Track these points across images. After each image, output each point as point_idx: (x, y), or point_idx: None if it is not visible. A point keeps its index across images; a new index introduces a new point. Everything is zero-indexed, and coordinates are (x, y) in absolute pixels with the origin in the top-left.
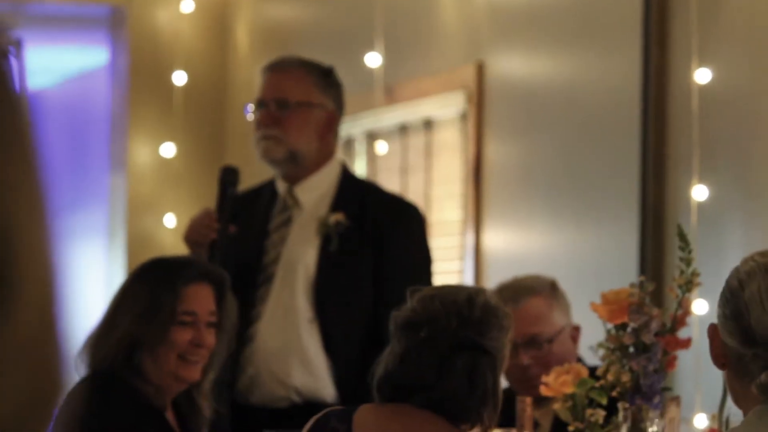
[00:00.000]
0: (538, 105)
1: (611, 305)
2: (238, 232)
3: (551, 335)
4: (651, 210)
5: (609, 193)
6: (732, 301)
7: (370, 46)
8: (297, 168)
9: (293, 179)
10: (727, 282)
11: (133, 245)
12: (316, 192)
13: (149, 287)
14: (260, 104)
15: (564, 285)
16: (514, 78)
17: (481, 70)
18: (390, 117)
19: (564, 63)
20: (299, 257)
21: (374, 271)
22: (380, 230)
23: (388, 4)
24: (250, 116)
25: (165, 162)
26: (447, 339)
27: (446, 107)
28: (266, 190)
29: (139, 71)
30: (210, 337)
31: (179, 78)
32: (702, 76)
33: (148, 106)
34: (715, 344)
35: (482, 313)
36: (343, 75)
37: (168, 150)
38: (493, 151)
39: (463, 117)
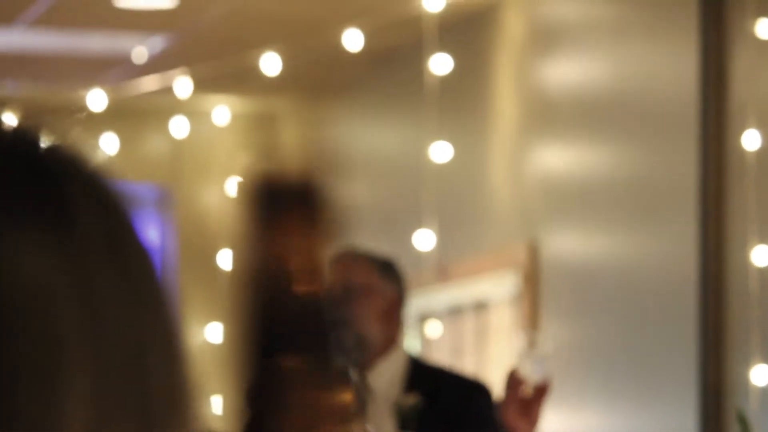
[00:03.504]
0: (593, 285)
1: None
2: None
3: None
4: (710, 393)
5: (667, 375)
6: None
7: (420, 225)
8: (364, 354)
9: (361, 366)
10: None
11: None
12: (386, 376)
13: None
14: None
15: None
16: (569, 257)
17: (534, 248)
18: (442, 297)
19: (619, 242)
20: None
21: None
22: (451, 409)
23: (440, 182)
24: None
25: (213, 344)
26: None
27: (499, 286)
28: None
29: (187, 251)
30: None
31: (227, 259)
32: (761, 254)
33: (195, 287)
34: None
35: None
36: (394, 255)
37: (216, 332)
38: (548, 330)
39: (517, 297)
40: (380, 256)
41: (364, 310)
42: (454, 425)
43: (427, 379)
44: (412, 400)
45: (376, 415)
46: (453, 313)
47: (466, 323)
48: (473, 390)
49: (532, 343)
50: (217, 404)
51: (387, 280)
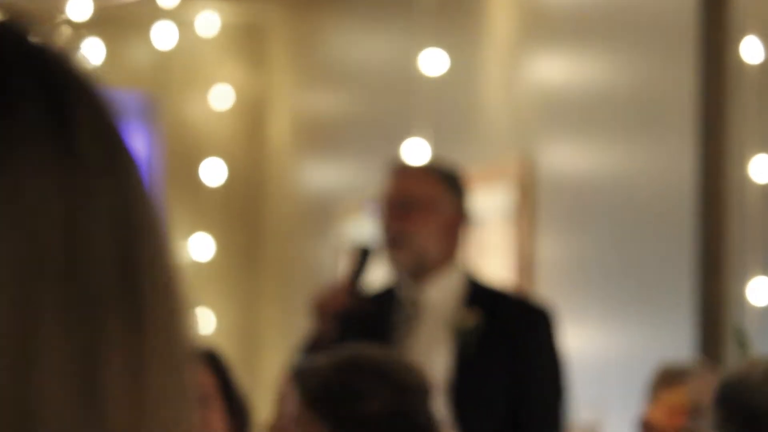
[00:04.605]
0: (590, 199)
1: (668, 409)
2: (359, 335)
3: None
4: (708, 308)
5: (664, 290)
6: (766, 424)
7: (411, 137)
8: (420, 269)
9: (416, 279)
10: (749, 402)
11: None
12: (441, 292)
13: None
14: (385, 204)
15: (619, 381)
16: (565, 170)
17: (530, 162)
18: None
19: (616, 155)
20: (431, 359)
21: (509, 376)
22: (513, 334)
23: (431, 93)
24: (373, 216)
25: (200, 256)
26: None
27: (495, 200)
28: (385, 294)
29: (173, 163)
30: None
31: (214, 171)
32: (760, 166)
33: (182, 199)
34: None
35: None
36: (383, 167)
37: (203, 244)
38: (544, 246)
39: (513, 211)
40: (444, 166)
41: (424, 224)
42: (513, 349)
43: (486, 300)
44: (471, 321)
45: (428, 330)
46: None
47: None
48: (535, 314)
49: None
50: (205, 318)
51: (450, 193)
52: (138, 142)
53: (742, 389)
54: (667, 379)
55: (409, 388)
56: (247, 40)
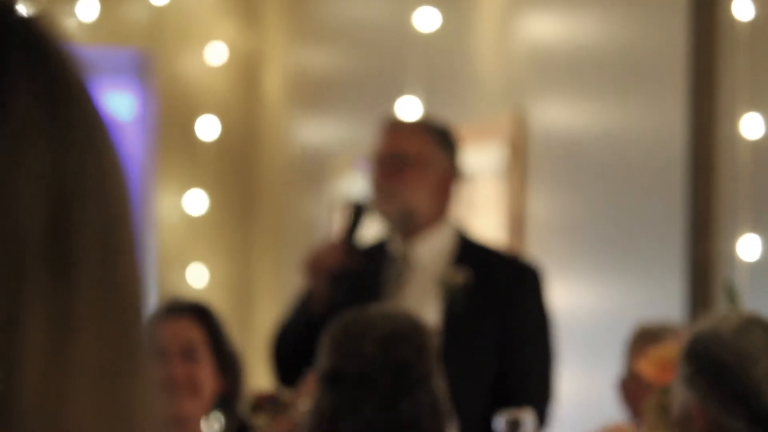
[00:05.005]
0: (581, 156)
1: (658, 364)
2: (349, 291)
3: None
4: (698, 265)
5: (654, 244)
6: (736, 380)
7: (404, 94)
8: (411, 225)
9: (406, 236)
10: (719, 357)
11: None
12: (431, 249)
13: None
14: (376, 160)
15: (608, 338)
16: (557, 128)
17: (522, 119)
18: None
19: (608, 112)
20: (420, 316)
21: (498, 334)
22: (503, 292)
23: (424, 50)
24: (366, 171)
25: (194, 212)
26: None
27: (486, 157)
28: (376, 250)
29: (168, 120)
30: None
31: (208, 127)
32: (751, 124)
33: (176, 156)
34: (699, 425)
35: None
36: (376, 123)
37: (198, 200)
38: (535, 203)
39: (504, 167)
40: (437, 123)
41: (415, 181)
42: (502, 308)
43: (476, 257)
44: (460, 279)
45: (418, 287)
46: None
47: None
48: (524, 272)
49: (514, 423)
50: (198, 273)
51: (442, 150)
52: (132, 99)
53: (711, 343)
54: (645, 337)
55: (358, 356)
56: None
